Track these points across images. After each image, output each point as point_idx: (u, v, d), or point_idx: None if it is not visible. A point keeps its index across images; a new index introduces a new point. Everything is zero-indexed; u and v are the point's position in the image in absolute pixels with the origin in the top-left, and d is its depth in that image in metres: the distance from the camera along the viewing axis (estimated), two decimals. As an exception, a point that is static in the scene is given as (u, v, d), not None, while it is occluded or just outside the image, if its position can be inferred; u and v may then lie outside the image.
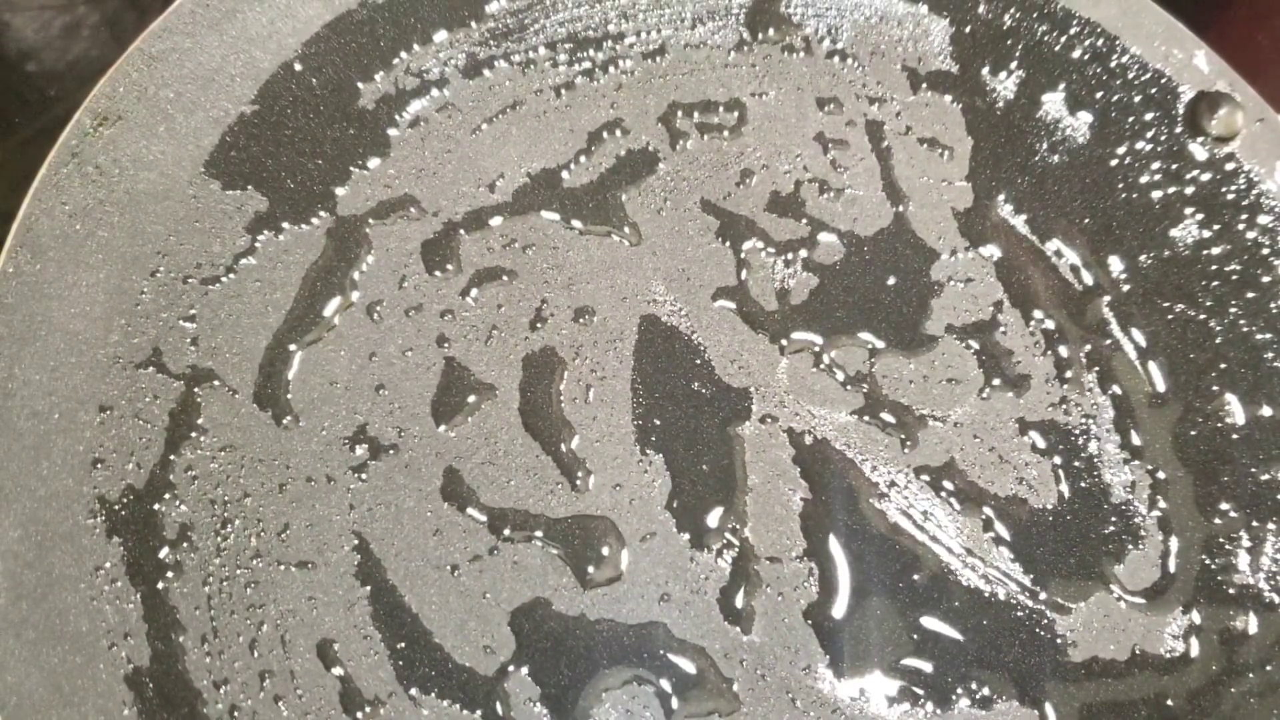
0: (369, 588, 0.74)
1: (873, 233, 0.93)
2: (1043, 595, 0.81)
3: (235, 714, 0.69)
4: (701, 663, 0.76)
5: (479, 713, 0.72)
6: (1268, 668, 0.80)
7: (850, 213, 0.93)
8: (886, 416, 0.86)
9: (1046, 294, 0.92)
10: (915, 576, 0.81)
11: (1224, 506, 0.85)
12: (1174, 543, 0.84)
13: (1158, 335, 0.91)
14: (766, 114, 0.97)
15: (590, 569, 0.77)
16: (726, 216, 0.91)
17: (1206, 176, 0.96)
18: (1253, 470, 0.86)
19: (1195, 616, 0.81)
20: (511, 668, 0.74)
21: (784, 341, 0.87)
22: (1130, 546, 0.84)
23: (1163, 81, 0.99)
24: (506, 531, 0.78)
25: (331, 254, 0.83)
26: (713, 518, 0.81)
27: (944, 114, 0.99)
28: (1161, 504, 0.85)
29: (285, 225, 0.82)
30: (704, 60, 0.97)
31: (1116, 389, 0.89)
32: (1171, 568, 0.83)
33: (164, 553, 0.71)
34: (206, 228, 0.80)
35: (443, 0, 0.92)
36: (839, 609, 0.79)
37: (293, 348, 0.80)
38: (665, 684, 0.75)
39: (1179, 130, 0.97)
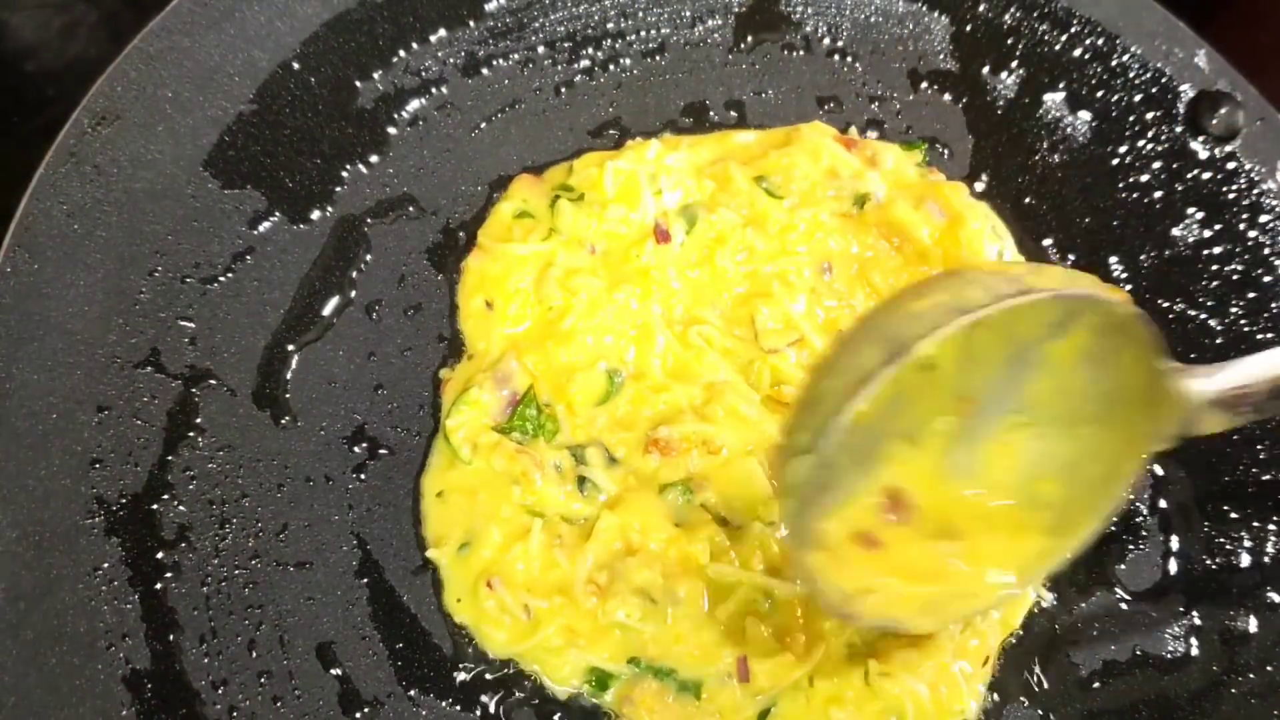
0: (368, 588, 0.74)
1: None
2: (1044, 595, 0.81)
3: (234, 714, 0.68)
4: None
5: (478, 713, 0.72)
6: (1268, 668, 0.80)
7: (850, 212, 0.93)
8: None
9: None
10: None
11: (1224, 506, 0.85)
12: (1175, 542, 0.84)
13: (1158, 335, 0.91)
14: (766, 112, 0.96)
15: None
16: (726, 216, 0.91)
17: (1207, 176, 0.96)
18: (1253, 470, 0.86)
19: (1196, 617, 0.81)
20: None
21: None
22: (1131, 546, 0.84)
23: (1164, 80, 0.98)
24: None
25: (330, 253, 0.83)
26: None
27: (944, 113, 0.99)
28: (1162, 504, 0.85)
29: (284, 224, 0.82)
30: (704, 59, 0.97)
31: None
32: (1172, 568, 0.83)
33: (162, 553, 0.71)
34: (205, 227, 0.80)
35: (441, -1, 0.92)
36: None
37: (291, 347, 0.79)
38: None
39: (1180, 129, 0.97)
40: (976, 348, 0.63)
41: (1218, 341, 0.90)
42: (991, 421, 0.68)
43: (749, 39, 0.98)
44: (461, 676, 0.73)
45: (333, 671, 0.71)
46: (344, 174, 0.85)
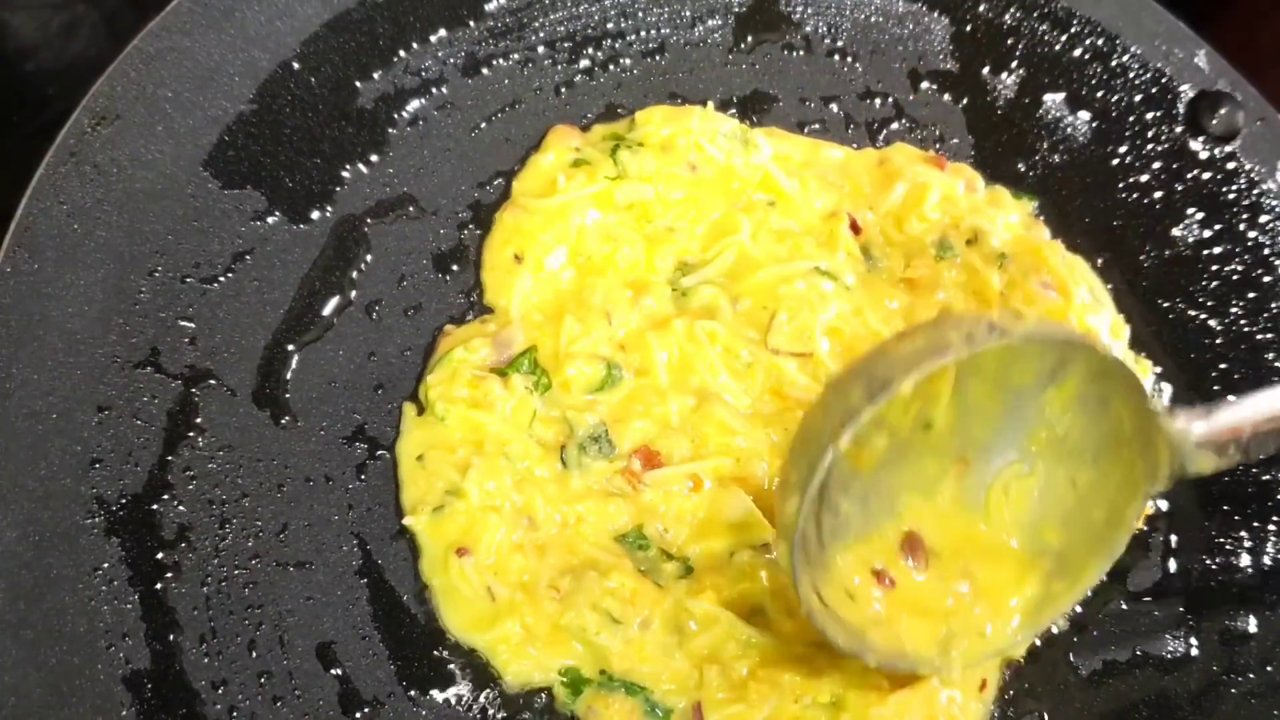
0: (368, 588, 0.74)
1: (873, 232, 0.92)
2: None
3: (234, 714, 0.68)
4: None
5: (478, 713, 0.72)
6: (1268, 668, 0.80)
7: (850, 212, 0.93)
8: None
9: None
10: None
11: (1224, 507, 0.85)
12: (1175, 542, 0.84)
13: (1158, 335, 0.91)
14: (766, 113, 0.96)
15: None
16: (726, 216, 0.91)
17: (1207, 176, 0.96)
18: (1253, 470, 0.86)
19: (1196, 617, 0.81)
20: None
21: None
22: (1131, 546, 0.83)
23: (1163, 81, 0.99)
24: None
25: (330, 253, 0.83)
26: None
27: (945, 113, 0.99)
28: (1162, 504, 0.85)
29: (284, 224, 0.82)
30: (704, 59, 0.97)
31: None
32: (1172, 568, 0.83)
33: (162, 553, 0.71)
34: (205, 227, 0.80)
35: (441, -1, 0.92)
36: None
37: (291, 347, 0.79)
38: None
39: (1180, 129, 0.97)
40: (972, 400, 0.68)
41: (1217, 342, 0.90)
42: (995, 471, 0.72)
43: (749, 39, 0.98)
44: (456, 668, 0.73)
45: (333, 671, 0.71)
46: (344, 174, 0.85)
